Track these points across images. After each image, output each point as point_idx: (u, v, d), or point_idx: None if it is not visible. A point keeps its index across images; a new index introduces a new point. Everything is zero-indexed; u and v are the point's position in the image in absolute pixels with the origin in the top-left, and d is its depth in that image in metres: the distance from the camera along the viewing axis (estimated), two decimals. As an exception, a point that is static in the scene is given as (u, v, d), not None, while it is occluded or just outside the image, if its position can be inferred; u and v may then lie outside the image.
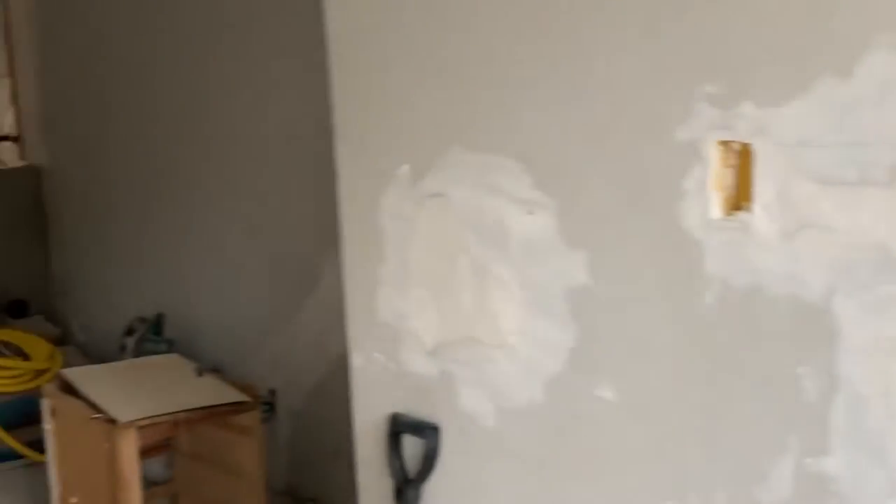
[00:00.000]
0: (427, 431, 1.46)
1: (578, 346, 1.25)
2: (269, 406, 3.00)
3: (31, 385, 3.86)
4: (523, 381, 1.32)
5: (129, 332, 3.63)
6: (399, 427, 1.50)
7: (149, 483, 2.93)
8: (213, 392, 2.77)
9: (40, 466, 3.64)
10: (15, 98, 4.93)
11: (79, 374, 2.82)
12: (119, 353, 3.63)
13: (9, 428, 3.71)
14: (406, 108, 1.42)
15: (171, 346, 3.53)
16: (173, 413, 2.61)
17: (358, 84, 1.50)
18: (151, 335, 3.60)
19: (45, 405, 2.84)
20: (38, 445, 3.68)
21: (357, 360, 1.60)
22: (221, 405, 2.70)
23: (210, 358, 3.25)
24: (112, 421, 2.54)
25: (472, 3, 1.30)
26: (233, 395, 2.74)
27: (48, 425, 2.84)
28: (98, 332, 4.34)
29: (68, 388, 2.82)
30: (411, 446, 1.49)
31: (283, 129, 3.18)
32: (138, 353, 3.53)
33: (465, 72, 1.31)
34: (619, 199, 1.16)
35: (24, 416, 3.74)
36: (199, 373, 2.90)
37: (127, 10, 3.88)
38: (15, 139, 6.07)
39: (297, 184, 3.15)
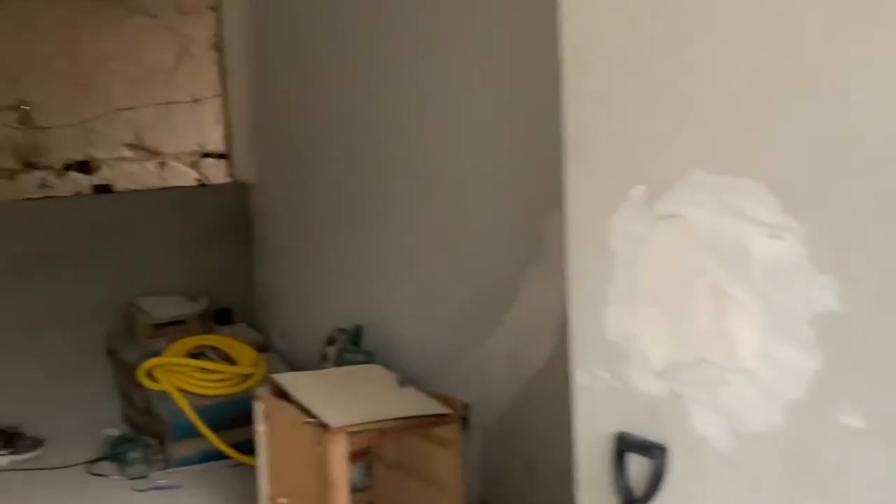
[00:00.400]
0: (654, 451, 1.46)
1: (824, 372, 1.23)
2: (463, 420, 3.05)
3: (237, 389, 4.07)
4: (761, 406, 1.31)
5: (331, 341, 3.76)
6: (625, 446, 1.51)
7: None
8: (415, 403, 2.84)
9: (244, 467, 3.83)
10: (226, 117, 5.21)
11: (290, 380, 2.95)
12: (320, 362, 3.78)
13: (216, 429, 3.92)
14: (644, 128, 1.43)
15: (368, 357, 3.64)
16: (380, 421, 2.70)
17: (592, 102, 1.52)
18: (350, 346, 3.72)
19: (258, 408, 2.98)
20: (243, 447, 3.88)
21: (581, 378, 1.61)
22: (424, 416, 2.77)
23: (405, 370, 3.33)
24: (324, 426, 2.64)
25: (719, 17, 1.29)
26: (434, 407, 2.80)
27: (261, 427, 2.98)
28: (296, 340, 4.53)
29: (279, 393, 2.96)
30: (636, 466, 1.50)
31: (484, 145, 3.24)
32: (338, 362, 3.66)
33: (710, 90, 1.32)
34: (875, 224, 1.14)
35: (230, 418, 3.96)
36: (401, 383, 2.99)
37: (334, 31, 4.05)
38: (221, 156, 6.44)
39: (498, 200, 3.20)
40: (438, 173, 3.48)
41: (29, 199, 5.59)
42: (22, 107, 5.99)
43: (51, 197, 5.39)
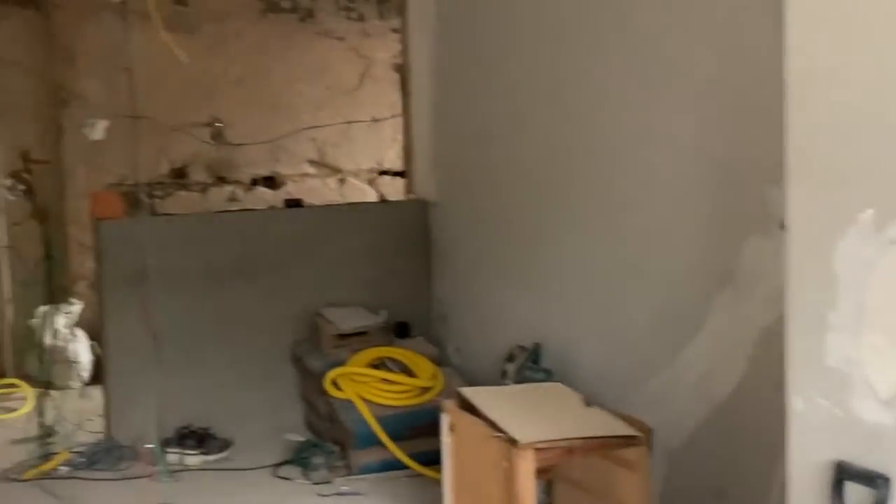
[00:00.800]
0: (878, 481, 1.43)
1: None
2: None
3: (416, 401, 4.16)
4: None
5: (510, 358, 3.80)
6: (844, 475, 1.48)
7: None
8: (601, 423, 2.84)
9: (423, 478, 3.91)
10: (406, 136, 5.36)
11: (476, 394, 3.00)
12: (499, 378, 3.82)
13: (395, 439, 4.02)
14: (875, 151, 1.41)
15: (547, 376, 3.65)
16: (568, 439, 2.71)
17: (819, 123, 1.50)
18: (530, 363, 3.75)
19: (445, 420, 3.04)
20: (421, 458, 3.97)
21: (797, 405, 1.59)
22: (612, 437, 2.76)
23: (583, 390, 3.32)
24: (512, 441, 2.67)
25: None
26: (622, 428, 2.79)
27: (446, 439, 3.04)
28: (471, 355, 4.59)
29: (464, 406, 3.01)
30: (856, 496, 1.47)
31: (671, 165, 3.21)
32: (518, 379, 3.69)
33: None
34: None
35: (409, 429, 4.05)
36: (587, 403, 2.99)
37: (517, 52, 4.11)
38: (398, 174, 6.61)
39: (685, 222, 3.16)
40: (622, 191, 3.47)
41: (226, 210, 5.90)
42: (215, 124, 6.34)
43: (246, 209, 5.67)
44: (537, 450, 2.65)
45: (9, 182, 5.73)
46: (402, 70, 5.54)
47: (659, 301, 3.30)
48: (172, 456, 4.18)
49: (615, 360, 3.52)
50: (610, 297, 3.56)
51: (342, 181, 6.79)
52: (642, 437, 2.77)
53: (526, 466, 2.64)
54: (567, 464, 3.04)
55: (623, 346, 3.48)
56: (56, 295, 5.37)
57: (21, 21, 5.92)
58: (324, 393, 4.23)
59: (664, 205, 3.25)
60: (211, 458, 4.23)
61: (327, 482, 3.96)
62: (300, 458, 4.10)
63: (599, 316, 3.62)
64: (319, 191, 6.63)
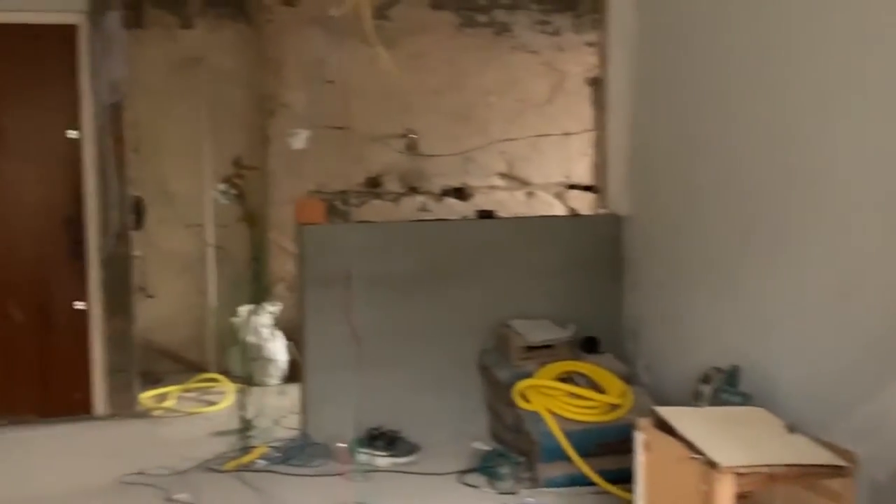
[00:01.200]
0: None
1: None
2: (850, 474, 2.89)
3: (604, 418, 4.12)
4: None
5: (706, 380, 3.71)
6: None
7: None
8: (805, 450, 2.74)
9: (609, 495, 3.87)
10: (600, 150, 5.33)
11: (673, 414, 2.95)
12: (693, 400, 3.73)
13: (582, 455, 3.99)
14: None
15: (745, 399, 3.55)
16: (770, 465, 2.63)
17: None
18: (727, 386, 3.65)
19: (639, 439, 3.00)
20: (608, 475, 3.93)
21: None
22: (816, 465, 2.66)
23: (784, 416, 3.21)
24: (711, 463, 2.61)
25: None
26: (827, 457, 2.68)
27: (640, 458, 3.00)
28: (661, 374, 4.50)
29: (659, 426, 2.96)
30: None
31: (883, 181, 3.06)
32: (713, 402, 3.60)
33: None
34: None
35: (596, 445, 4.02)
36: (790, 429, 2.89)
37: (718, 62, 4.02)
38: (586, 188, 6.58)
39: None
40: (837, 207, 3.32)
41: (421, 220, 6.04)
42: (410, 135, 6.50)
43: (440, 219, 5.78)
44: (738, 474, 2.58)
45: (223, 186, 6.06)
46: (597, 84, 5.52)
47: (872, 325, 3.14)
48: (362, 456, 4.29)
49: (819, 386, 3.38)
50: (817, 319, 3.42)
51: (530, 194, 6.83)
52: (849, 467, 2.65)
53: (726, 491, 2.57)
54: (767, 491, 2.95)
55: (829, 371, 3.34)
56: (259, 295, 5.63)
57: (233, 34, 6.26)
58: (511, 403, 4.25)
59: (883, 223, 3.10)
60: (400, 460, 4.32)
61: (512, 493, 3.97)
62: (486, 467, 4.14)
63: (804, 339, 3.49)
64: (507, 203, 6.69)
